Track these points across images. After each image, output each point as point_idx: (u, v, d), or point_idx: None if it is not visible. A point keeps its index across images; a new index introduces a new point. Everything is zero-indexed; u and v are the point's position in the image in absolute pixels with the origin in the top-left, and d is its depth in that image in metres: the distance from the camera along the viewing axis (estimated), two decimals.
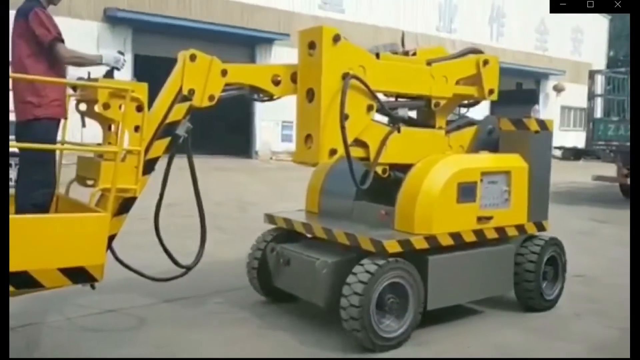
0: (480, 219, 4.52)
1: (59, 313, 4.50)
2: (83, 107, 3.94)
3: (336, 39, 4.12)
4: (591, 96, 12.68)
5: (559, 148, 28.08)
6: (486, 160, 4.85)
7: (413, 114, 5.10)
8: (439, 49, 5.26)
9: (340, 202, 4.88)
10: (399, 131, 4.52)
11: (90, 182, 3.88)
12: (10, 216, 3.14)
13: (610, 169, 13.45)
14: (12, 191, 3.84)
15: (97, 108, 3.65)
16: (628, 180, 12.06)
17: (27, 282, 3.27)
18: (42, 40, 3.85)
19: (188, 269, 4.24)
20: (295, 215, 4.96)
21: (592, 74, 12.87)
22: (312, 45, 4.16)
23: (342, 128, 4.06)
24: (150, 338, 4.17)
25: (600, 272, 6.45)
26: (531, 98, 30.36)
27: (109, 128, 3.90)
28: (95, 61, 3.96)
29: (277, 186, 13.08)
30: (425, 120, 4.96)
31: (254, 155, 20.82)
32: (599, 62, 31.06)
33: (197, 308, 4.83)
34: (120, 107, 3.63)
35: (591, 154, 21.91)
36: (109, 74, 3.93)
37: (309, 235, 4.78)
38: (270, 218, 5.03)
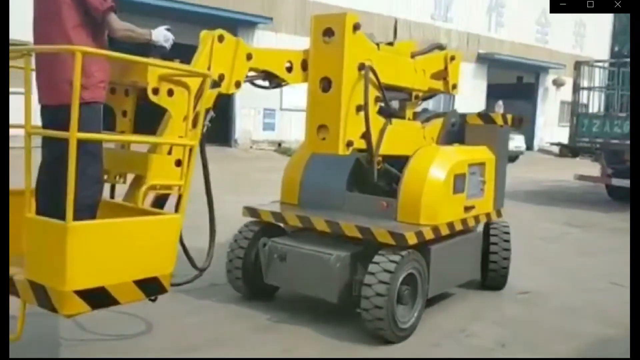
0: (466, 209, 4.76)
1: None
2: None
3: (356, 27, 4.03)
4: (576, 89, 11.82)
5: (557, 144, 27.10)
6: (467, 152, 5.02)
7: None
8: (412, 42, 5.29)
9: (328, 194, 4.88)
10: (391, 123, 4.56)
11: (105, 177, 3.62)
12: (85, 222, 2.83)
13: (597, 168, 12.61)
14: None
15: (148, 93, 3.35)
16: (612, 181, 11.23)
17: (104, 300, 2.87)
18: (96, 9, 3.31)
19: (202, 270, 3.99)
20: (280, 208, 4.89)
21: (577, 65, 11.99)
22: (328, 33, 4.04)
23: (367, 120, 4.09)
24: (163, 339, 4.05)
25: (549, 289, 5.73)
26: (529, 92, 29.48)
27: (124, 115, 3.73)
28: (146, 37, 3.52)
29: (241, 177, 12.44)
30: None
31: (234, 144, 20.13)
32: (602, 56, 29.98)
33: (201, 301, 4.79)
34: (168, 92, 3.37)
35: (588, 151, 21.03)
36: (160, 54, 3.52)
37: (284, 227, 4.81)
38: (252, 211, 4.87)
